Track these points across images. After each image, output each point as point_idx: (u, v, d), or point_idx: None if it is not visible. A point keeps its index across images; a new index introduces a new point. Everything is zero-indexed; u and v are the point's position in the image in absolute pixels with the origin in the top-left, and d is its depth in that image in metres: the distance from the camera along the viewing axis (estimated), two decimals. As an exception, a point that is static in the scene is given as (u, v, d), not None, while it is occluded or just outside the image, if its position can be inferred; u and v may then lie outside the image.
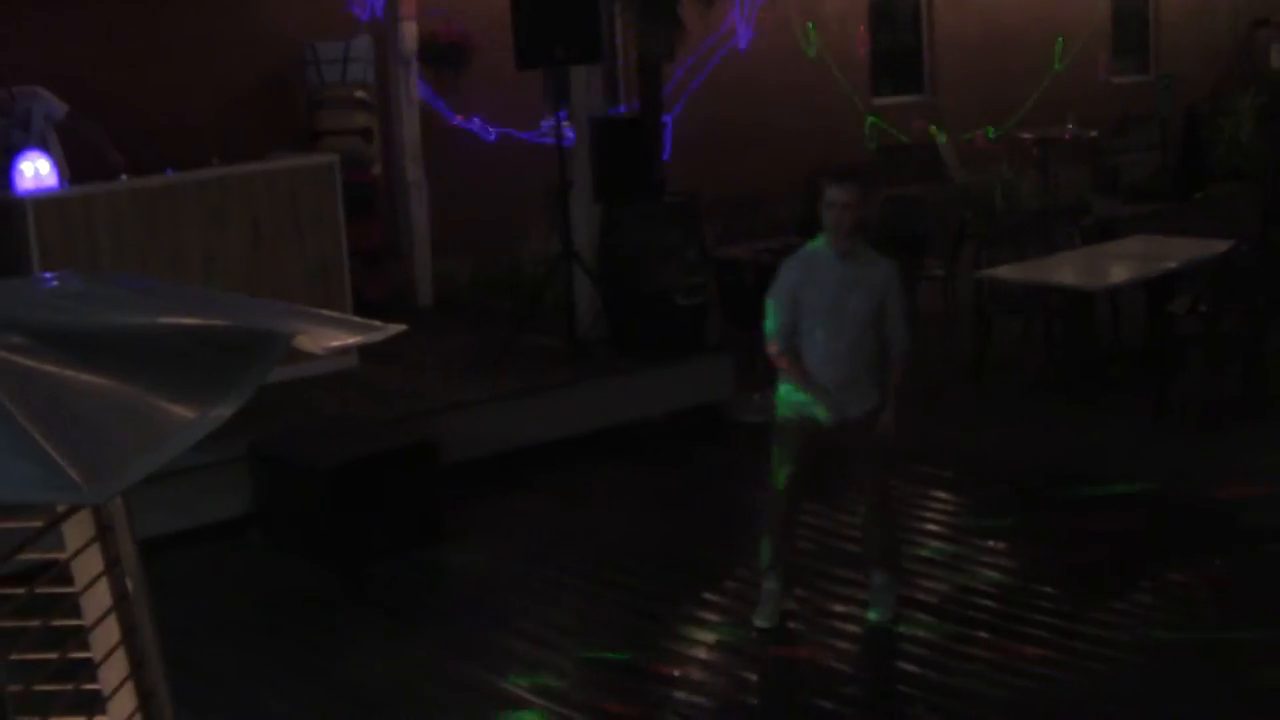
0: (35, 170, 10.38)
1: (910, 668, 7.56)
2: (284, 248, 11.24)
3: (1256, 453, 10.39)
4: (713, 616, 8.36)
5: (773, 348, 7.73)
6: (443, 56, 14.85)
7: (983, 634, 7.87)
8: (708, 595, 8.63)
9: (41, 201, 10.24)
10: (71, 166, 10.92)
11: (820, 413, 7.67)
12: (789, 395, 7.80)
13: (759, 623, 8.01)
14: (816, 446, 7.86)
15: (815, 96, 18.30)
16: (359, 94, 13.81)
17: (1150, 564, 8.73)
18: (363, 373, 11.20)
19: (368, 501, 9.16)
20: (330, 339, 2.53)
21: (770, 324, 7.70)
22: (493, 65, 14.30)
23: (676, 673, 7.69)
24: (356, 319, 2.71)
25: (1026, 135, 19.60)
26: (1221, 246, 12.26)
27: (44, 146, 11.04)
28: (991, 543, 9.12)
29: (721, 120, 17.01)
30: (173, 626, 8.28)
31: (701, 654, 7.91)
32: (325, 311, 2.68)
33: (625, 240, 11.83)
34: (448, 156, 14.56)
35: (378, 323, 2.66)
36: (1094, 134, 20.12)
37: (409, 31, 13.91)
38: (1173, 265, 12.44)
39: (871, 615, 8.00)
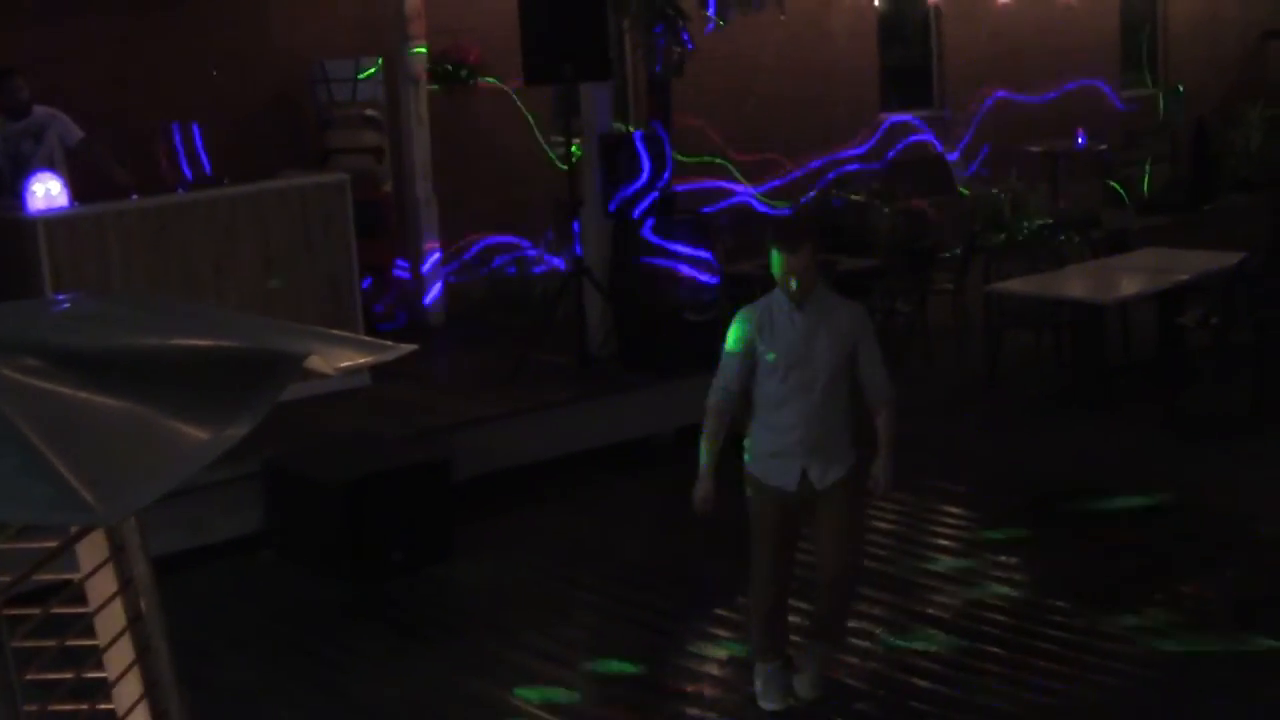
0: (46, 190, 10.40)
1: (922, 683, 7.55)
2: (295, 266, 11.25)
3: (1268, 464, 10.39)
4: (724, 632, 8.36)
5: (711, 400, 7.19)
6: (452, 74, 14.88)
7: (995, 649, 7.87)
8: (719, 611, 8.62)
9: (53, 221, 10.26)
10: (78, 191, 10.93)
11: (784, 478, 7.15)
12: (753, 465, 7.29)
13: (768, 706, 7.39)
14: (791, 517, 7.33)
15: (824, 109, 18.30)
16: (369, 112, 13.83)
17: (1163, 576, 8.73)
18: (375, 390, 11.21)
19: (381, 518, 9.18)
20: (342, 359, 2.54)
21: (718, 377, 7.16)
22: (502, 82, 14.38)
23: (688, 688, 7.70)
24: (367, 338, 2.72)
25: (1035, 148, 19.60)
26: (1232, 258, 12.27)
27: (53, 166, 11.09)
28: (1003, 556, 9.12)
29: (729, 134, 17.03)
30: (187, 643, 8.28)
31: (713, 669, 7.92)
32: (337, 331, 2.69)
33: (635, 256, 11.84)
34: (458, 174, 14.57)
35: (389, 342, 2.68)
36: (1103, 147, 20.12)
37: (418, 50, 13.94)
38: (1183, 277, 12.44)
39: (803, 693, 7.46)
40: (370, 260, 12.47)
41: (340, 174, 11.90)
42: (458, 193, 14.49)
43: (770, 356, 7.01)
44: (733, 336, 7.12)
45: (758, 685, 7.44)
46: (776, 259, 6.92)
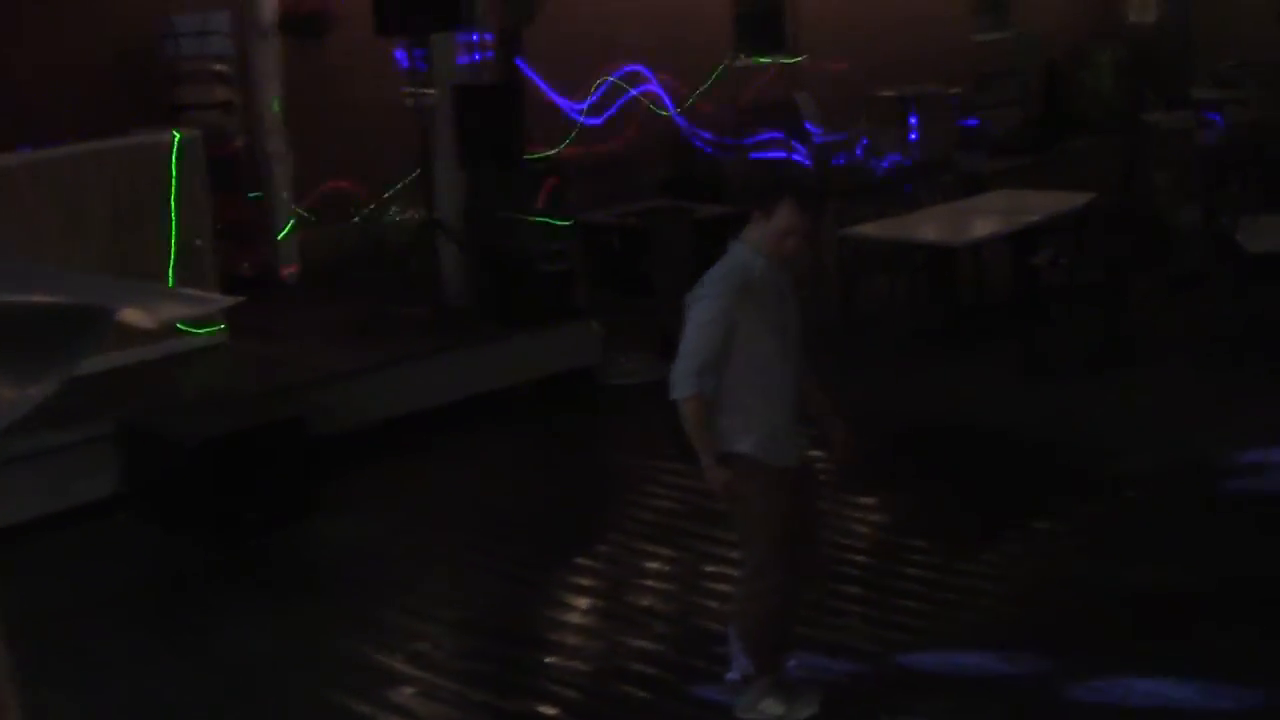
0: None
1: (783, 624, 7.61)
2: (146, 225, 11.09)
3: (1118, 402, 10.54)
4: (585, 581, 8.39)
5: (689, 389, 6.28)
6: (303, 26, 14.71)
7: (855, 588, 7.94)
8: (580, 560, 8.66)
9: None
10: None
11: (786, 456, 6.52)
12: (752, 449, 6.46)
13: (810, 710, 6.70)
14: (796, 497, 6.63)
15: (678, 57, 18.28)
16: (218, 67, 13.65)
17: (1017, 513, 8.85)
18: (232, 347, 11.11)
19: (238, 476, 9.09)
20: (163, 312, 2.50)
21: (692, 362, 6.28)
22: (353, 34, 14.20)
23: (550, 637, 7.72)
24: (190, 291, 2.69)
25: (887, 93, 19.71)
26: (1082, 199, 12.43)
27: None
28: (862, 498, 9.19)
29: (582, 85, 16.98)
30: (48, 609, 8.18)
31: (575, 619, 7.95)
32: (155, 285, 2.66)
33: (489, 207, 11.81)
34: (310, 127, 14.42)
35: (213, 295, 2.65)
36: (956, 90, 20.28)
37: (268, 2, 13.76)
38: (1034, 218, 12.57)
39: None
40: (225, 216, 12.31)
41: (192, 130, 11.74)
42: (313, 146, 14.34)
43: (754, 327, 6.35)
44: (713, 307, 6.31)
45: (779, 705, 6.67)
46: (790, 215, 6.30)
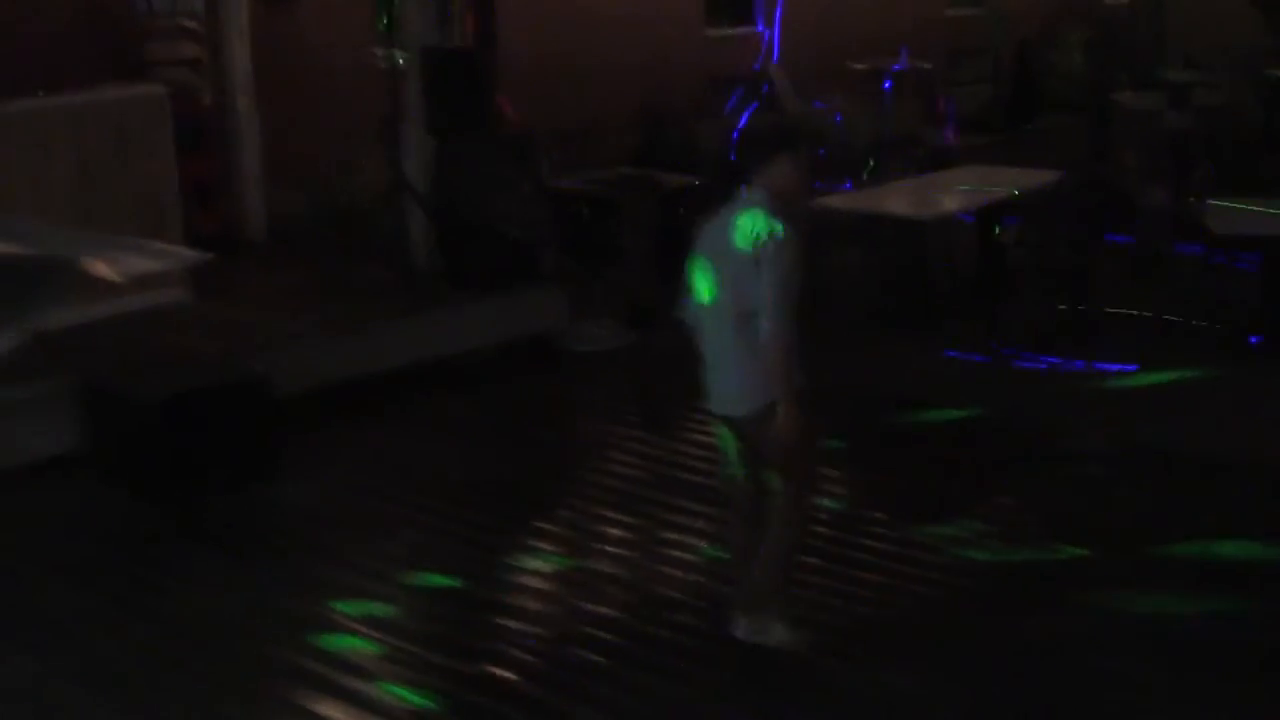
0: None
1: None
2: (113, 181, 11.02)
3: (1081, 379, 10.58)
4: (546, 546, 8.39)
5: (788, 334, 6.78)
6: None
7: (815, 560, 7.94)
8: (541, 525, 8.66)
9: None
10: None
11: None
12: (801, 382, 6.96)
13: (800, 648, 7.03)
14: None
15: (650, 27, 18.23)
16: (188, 23, 13.56)
17: (979, 488, 8.88)
18: (197, 308, 11.05)
19: (199, 436, 9.03)
20: (131, 266, 2.49)
21: (789, 307, 6.73)
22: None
23: (509, 601, 7.72)
24: (159, 245, 2.68)
25: (860, 66, 19.68)
26: (1050, 177, 12.44)
27: None
28: (823, 469, 9.20)
29: (555, 51, 16.92)
30: (0, 566, 8.11)
31: (534, 583, 7.95)
32: (122, 238, 2.65)
33: (459, 172, 11.76)
34: (279, 87, 14.35)
35: (182, 249, 2.64)
36: (928, 66, 20.27)
37: (238, -40, 13.71)
38: (1003, 194, 12.58)
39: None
40: (191, 175, 12.25)
41: (159, 86, 11.68)
42: (280, 106, 14.27)
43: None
44: (794, 251, 6.65)
45: (786, 631, 7.02)
46: (793, 165, 6.74)
